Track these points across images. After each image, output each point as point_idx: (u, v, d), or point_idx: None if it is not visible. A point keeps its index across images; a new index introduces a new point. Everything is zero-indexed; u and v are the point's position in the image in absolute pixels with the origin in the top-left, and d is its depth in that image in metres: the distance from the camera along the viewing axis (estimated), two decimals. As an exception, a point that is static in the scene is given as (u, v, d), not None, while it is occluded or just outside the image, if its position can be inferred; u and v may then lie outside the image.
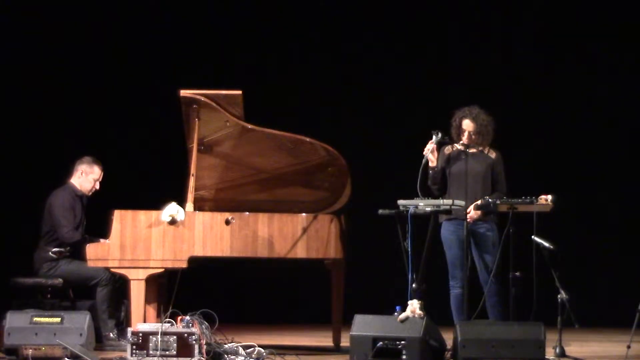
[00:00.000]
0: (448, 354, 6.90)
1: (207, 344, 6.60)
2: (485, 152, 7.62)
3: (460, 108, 7.61)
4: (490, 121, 7.59)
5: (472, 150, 7.55)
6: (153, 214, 7.31)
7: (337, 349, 7.88)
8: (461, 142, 7.54)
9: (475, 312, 7.35)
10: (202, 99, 7.44)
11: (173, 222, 7.27)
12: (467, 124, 7.56)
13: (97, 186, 8.24)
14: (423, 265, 7.12)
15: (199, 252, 7.32)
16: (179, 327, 6.57)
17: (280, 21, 10.74)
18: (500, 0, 10.63)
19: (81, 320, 6.88)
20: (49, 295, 8.05)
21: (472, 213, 7.37)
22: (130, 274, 7.30)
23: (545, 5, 10.59)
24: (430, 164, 7.50)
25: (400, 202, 7.18)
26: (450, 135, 7.54)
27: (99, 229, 7.64)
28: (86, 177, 8.20)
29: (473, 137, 7.55)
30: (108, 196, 8.19)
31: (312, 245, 7.49)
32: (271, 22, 10.76)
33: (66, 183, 8.23)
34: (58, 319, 6.86)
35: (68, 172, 8.26)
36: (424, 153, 7.43)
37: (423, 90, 10.56)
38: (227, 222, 7.33)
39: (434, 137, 7.40)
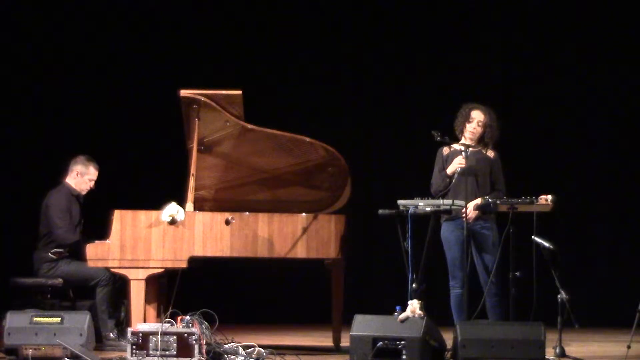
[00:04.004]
0: (448, 354, 6.89)
1: (207, 344, 6.59)
2: (484, 151, 7.61)
3: (471, 102, 7.62)
4: (498, 122, 7.58)
5: (471, 149, 7.53)
6: (153, 214, 7.31)
7: (337, 349, 7.87)
8: (460, 142, 7.52)
9: (475, 312, 7.35)
10: (202, 99, 7.43)
11: (173, 222, 7.26)
12: (478, 114, 7.54)
13: (93, 185, 8.23)
14: (423, 265, 7.11)
15: (199, 252, 7.32)
16: (179, 327, 6.56)
17: (280, 21, 10.73)
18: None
19: (81, 320, 6.87)
20: (49, 295, 8.04)
21: (471, 212, 7.36)
22: (130, 274, 7.30)
23: (546, 4, 10.59)
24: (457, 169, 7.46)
25: (400, 202, 7.18)
26: (450, 134, 7.52)
27: (99, 229, 7.63)
28: (82, 177, 8.17)
29: (480, 128, 7.53)
30: (108, 196, 8.18)
31: (312, 245, 7.48)
32: (271, 22, 10.75)
33: (61, 183, 8.21)
34: (58, 319, 6.85)
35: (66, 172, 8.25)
36: (458, 166, 7.39)
37: (423, 90, 10.55)
38: (227, 222, 7.33)
39: (436, 137, 7.37)
